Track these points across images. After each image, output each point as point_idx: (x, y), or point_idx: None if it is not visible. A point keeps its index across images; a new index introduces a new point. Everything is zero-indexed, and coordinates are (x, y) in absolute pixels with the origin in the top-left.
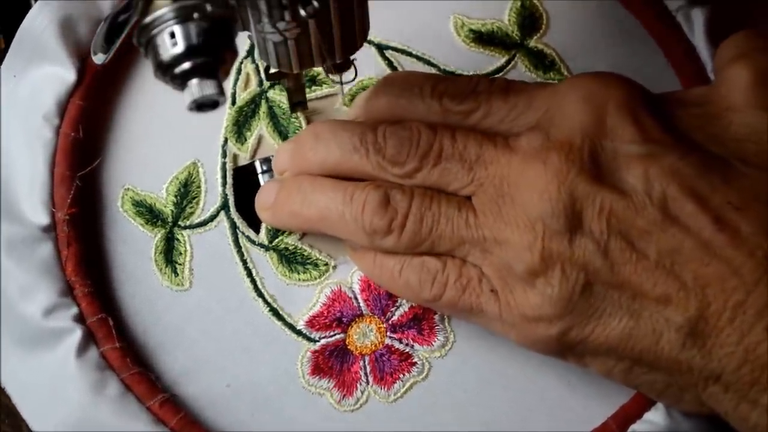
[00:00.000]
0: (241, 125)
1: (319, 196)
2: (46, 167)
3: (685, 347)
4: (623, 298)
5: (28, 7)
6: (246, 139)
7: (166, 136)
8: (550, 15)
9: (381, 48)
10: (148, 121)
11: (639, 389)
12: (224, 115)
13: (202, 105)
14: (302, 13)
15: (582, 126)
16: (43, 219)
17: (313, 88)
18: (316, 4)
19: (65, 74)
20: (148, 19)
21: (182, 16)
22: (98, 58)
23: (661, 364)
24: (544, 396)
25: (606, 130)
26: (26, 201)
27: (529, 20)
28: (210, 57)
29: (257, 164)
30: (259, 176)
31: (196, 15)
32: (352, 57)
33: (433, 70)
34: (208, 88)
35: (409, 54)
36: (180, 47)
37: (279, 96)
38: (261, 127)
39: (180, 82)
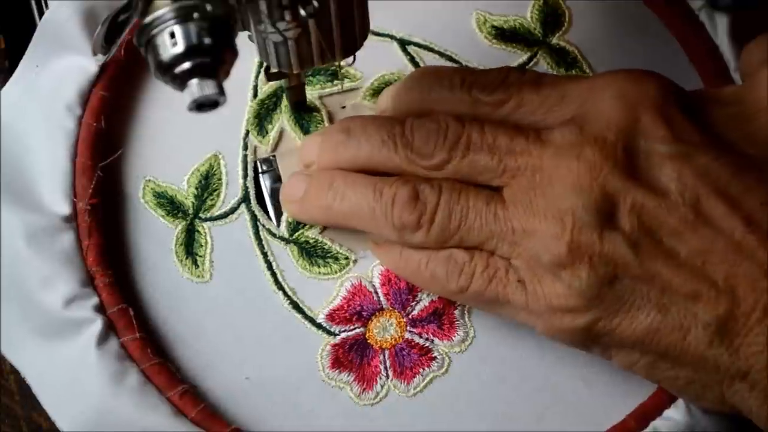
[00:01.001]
0: (262, 118)
1: (351, 192)
2: (68, 157)
3: (712, 345)
4: (652, 292)
5: (29, 7)
6: (267, 132)
7: (187, 128)
8: (572, 12)
9: (403, 43)
10: (170, 113)
11: (661, 384)
12: (246, 107)
13: (202, 105)
14: (302, 12)
15: (617, 123)
16: (65, 209)
17: (335, 82)
18: (316, 4)
19: (88, 65)
20: (148, 19)
21: (182, 16)
22: (98, 59)
23: (687, 359)
24: (563, 392)
25: (640, 129)
26: (47, 190)
27: (552, 17)
28: (210, 57)
29: (258, 164)
30: (260, 176)
31: (196, 15)
32: None
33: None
34: (208, 88)
35: (431, 50)
36: (180, 47)
37: None
38: (282, 120)
39: (180, 82)
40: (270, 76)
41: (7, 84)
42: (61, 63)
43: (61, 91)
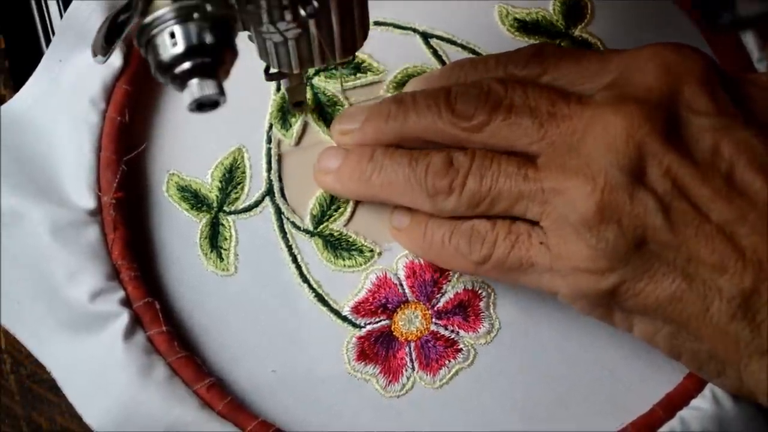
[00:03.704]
0: (286, 111)
1: (389, 163)
2: (92, 151)
3: (734, 318)
4: (678, 260)
5: (29, 7)
6: (291, 126)
7: (211, 122)
8: (594, 4)
9: (426, 36)
10: None
11: (683, 359)
12: (269, 101)
13: (203, 105)
14: (302, 13)
15: (659, 89)
16: (90, 203)
17: (358, 75)
18: (316, 4)
19: (111, 59)
20: (148, 19)
21: (182, 16)
22: (98, 60)
23: (708, 332)
24: (590, 383)
25: (682, 100)
26: (72, 185)
27: (574, 9)
28: (210, 57)
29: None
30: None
31: (196, 15)
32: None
33: None
34: (208, 88)
35: (454, 42)
36: (180, 47)
37: (324, 83)
38: (306, 113)
39: (180, 82)
40: (270, 77)
41: (30, 78)
42: (85, 57)
43: (84, 85)
